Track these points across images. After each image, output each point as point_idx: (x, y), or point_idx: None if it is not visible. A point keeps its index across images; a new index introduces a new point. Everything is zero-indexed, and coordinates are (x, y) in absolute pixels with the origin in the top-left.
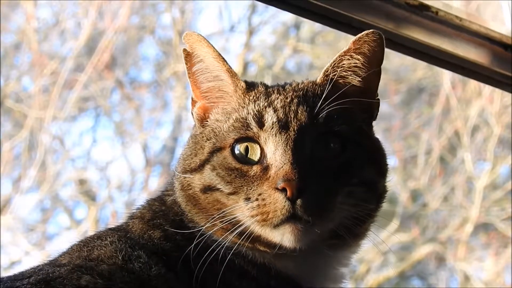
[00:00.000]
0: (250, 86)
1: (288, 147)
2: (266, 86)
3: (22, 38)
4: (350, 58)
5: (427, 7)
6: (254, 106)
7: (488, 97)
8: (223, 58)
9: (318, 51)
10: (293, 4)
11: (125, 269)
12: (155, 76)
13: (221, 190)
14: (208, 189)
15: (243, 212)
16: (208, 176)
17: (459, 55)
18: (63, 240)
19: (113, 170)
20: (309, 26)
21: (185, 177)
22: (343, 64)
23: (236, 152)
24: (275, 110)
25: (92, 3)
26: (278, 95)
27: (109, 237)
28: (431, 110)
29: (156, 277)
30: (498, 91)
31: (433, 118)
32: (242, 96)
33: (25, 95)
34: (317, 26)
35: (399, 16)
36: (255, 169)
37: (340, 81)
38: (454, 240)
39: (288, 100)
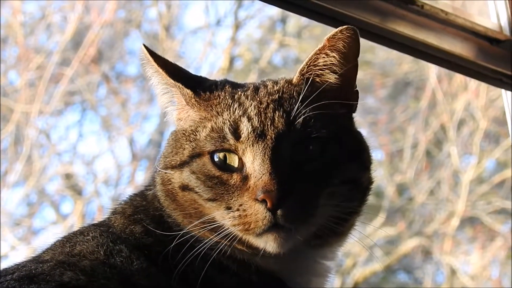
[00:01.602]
0: (201, 91)
1: (266, 156)
2: (234, 87)
3: (8, 32)
4: (326, 56)
5: (412, 1)
6: (229, 115)
7: (474, 91)
8: (168, 68)
9: (304, 45)
10: None
11: (107, 264)
12: (141, 70)
13: (200, 194)
14: (186, 188)
15: (225, 220)
16: (187, 177)
17: (445, 49)
18: (49, 234)
19: (100, 165)
20: (295, 20)
21: (166, 173)
22: (319, 62)
23: (216, 159)
24: (249, 119)
25: None
26: (252, 101)
27: (91, 232)
28: (417, 104)
29: (138, 271)
30: (484, 85)
31: (419, 112)
32: (199, 102)
33: (11, 89)
34: (304, 20)
35: (384, 10)
36: (235, 177)
37: (317, 79)
38: (440, 234)
39: (264, 106)
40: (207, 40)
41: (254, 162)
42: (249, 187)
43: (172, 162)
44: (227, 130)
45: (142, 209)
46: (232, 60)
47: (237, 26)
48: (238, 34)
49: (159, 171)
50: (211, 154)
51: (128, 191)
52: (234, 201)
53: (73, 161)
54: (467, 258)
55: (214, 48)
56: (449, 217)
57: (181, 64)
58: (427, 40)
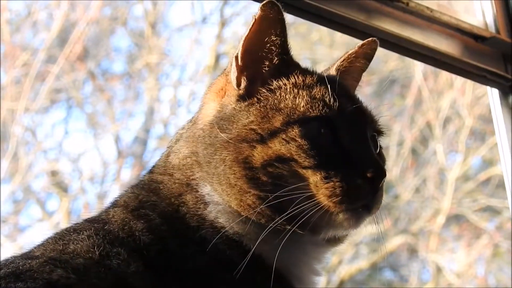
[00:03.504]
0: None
1: (367, 138)
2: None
3: None
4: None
5: None
6: (329, 90)
7: (460, 88)
8: None
9: (290, 42)
10: None
11: (101, 264)
12: (127, 68)
13: (298, 162)
14: (279, 160)
15: (319, 190)
16: (284, 147)
17: (430, 46)
18: (35, 231)
19: (85, 162)
20: None
21: (240, 149)
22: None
23: (317, 128)
24: (349, 98)
25: None
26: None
27: (86, 231)
28: (403, 102)
29: (134, 274)
30: (470, 83)
31: (405, 109)
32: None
33: None
34: (289, 17)
35: (370, 7)
36: (337, 149)
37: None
38: (426, 232)
39: (347, 88)
40: (193, 37)
41: (356, 138)
42: (356, 160)
43: (265, 131)
44: (327, 100)
45: (150, 204)
46: (218, 58)
47: (223, 23)
48: (224, 31)
49: (220, 150)
50: (314, 121)
51: (113, 188)
52: (337, 171)
53: (59, 159)
54: (452, 256)
55: (200, 45)
56: (434, 215)
57: (167, 61)
58: (412, 37)
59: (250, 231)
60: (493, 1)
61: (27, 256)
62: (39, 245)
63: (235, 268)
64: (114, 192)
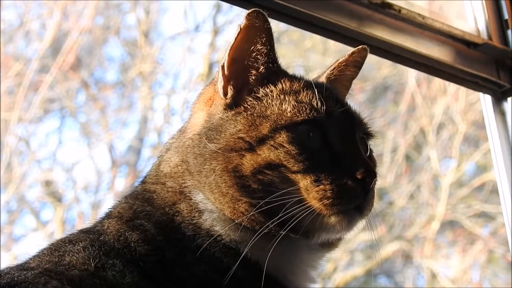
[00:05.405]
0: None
1: (356, 140)
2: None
3: None
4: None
5: (389, 5)
6: (313, 93)
7: (453, 94)
8: None
9: (283, 50)
10: (255, 3)
11: (97, 276)
12: (120, 77)
13: (287, 167)
14: (268, 167)
15: (311, 193)
16: (272, 153)
17: (422, 53)
18: (29, 241)
19: (79, 171)
20: (274, 25)
21: (229, 159)
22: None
23: (305, 132)
24: (336, 102)
25: (57, 3)
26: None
27: (81, 242)
28: (397, 108)
29: (129, 285)
30: (463, 89)
31: (399, 116)
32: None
33: None
34: (282, 25)
35: (361, 14)
36: (326, 152)
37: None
38: (421, 238)
39: (339, 97)
40: (186, 46)
41: (345, 142)
42: (345, 163)
43: (240, 144)
44: (314, 104)
45: (144, 214)
46: (211, 66)
47: (216, 31)
48: (217, 39)
49: (213, 158)
50: (300, 125)
51: (108, 197)
52: (325, 174)
53: (53, 168)
54: (447, 261)
55: (193, 53)
56: (429, 221)
57: (160, 70)
58: (404, 44)
59: (246, 238)
60: (485, 8)
61: (23, 267)
62: (34, 256)
63: (233, 276)
64: (108, 201)
